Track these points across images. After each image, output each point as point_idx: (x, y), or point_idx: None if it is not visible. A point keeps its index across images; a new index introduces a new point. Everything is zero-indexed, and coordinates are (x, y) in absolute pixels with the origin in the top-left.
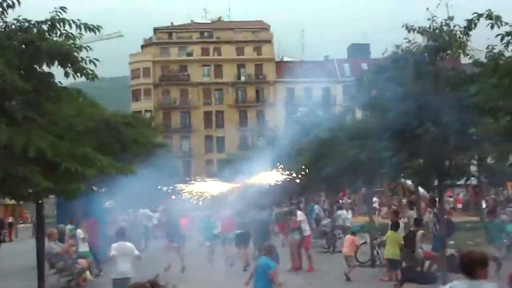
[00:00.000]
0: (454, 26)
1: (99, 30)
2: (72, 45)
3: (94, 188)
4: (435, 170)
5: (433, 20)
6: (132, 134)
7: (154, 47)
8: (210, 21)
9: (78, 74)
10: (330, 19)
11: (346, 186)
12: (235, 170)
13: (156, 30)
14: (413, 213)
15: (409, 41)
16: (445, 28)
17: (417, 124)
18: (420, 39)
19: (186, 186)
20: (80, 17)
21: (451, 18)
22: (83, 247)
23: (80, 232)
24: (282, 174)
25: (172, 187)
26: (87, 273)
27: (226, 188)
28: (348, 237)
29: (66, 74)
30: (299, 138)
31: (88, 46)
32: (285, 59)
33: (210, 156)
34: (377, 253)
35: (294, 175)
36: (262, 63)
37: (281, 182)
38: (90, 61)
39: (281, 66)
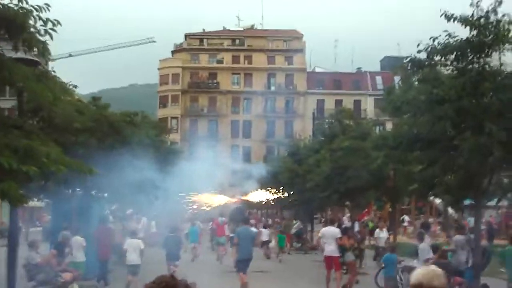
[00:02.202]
0: (503, 15)
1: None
2: (21, 10)
3: (93, 192)
4: (473, 187)
5: (477, 6)
6: (136, 134)
7: (185, 53)
8: (242, 29)
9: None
10: (365, 30)
11: (371, 202)
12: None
13: (187, 36)
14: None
15: (449, 34)
16: (492, 16)
17: (455, 133)
18: (461, 32)
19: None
20: (112, 23)
21: (499, 3)
22: (80, 257)
23: (77, 239)
24: (274, 193)
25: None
26: (74, 286)
27: (225, 201)
28: None
29: (15, 48)
30: (320, 148)
31: (47, 5)
32: (317, 69)
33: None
34: (401, 279)
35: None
36: (293, 73)
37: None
38: (46, 31)
39: (312, 77)
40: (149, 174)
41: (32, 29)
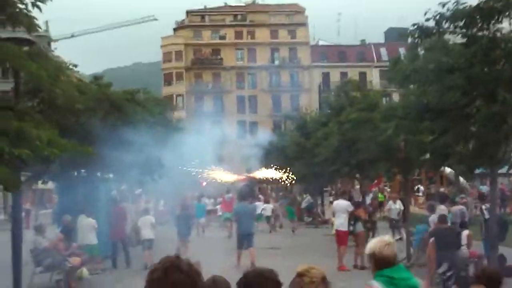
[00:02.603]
0: None
1: None
2: None
3: (98, 174)
4: (486, 156)
5: None
6: (138, 112)
7: (187, 30)
8: (244, 4)
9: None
10: (368, 2)
11: (381, 174)
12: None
13: (188, 12)
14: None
15: (457, 1)
16: None
17: (467, 102)
18: None
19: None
20: (113, 3)
21: None
22: (92, 239)
23: (90, 222)
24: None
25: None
26: (83, 270)
27: (233, 178)
28: None
29: (1, 23)
30: (327, 121)
31: None
32: (320, 43)
33: (242, 141)
34: (417, 252)
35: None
36: (296, 47)
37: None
38: (34, 4)
39: (316, 50)
40: (153, 153)
41: (19, 4)
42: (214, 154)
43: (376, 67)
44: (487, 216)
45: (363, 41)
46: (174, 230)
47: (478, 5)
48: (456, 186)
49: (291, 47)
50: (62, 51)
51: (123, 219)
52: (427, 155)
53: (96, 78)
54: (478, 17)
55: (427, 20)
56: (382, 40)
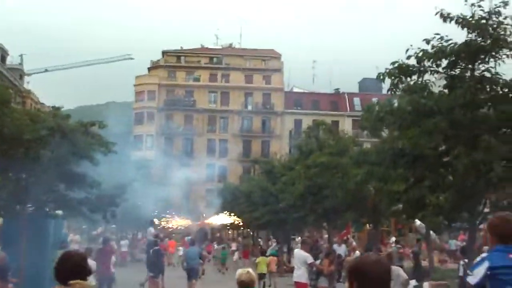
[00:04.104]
0: (505, 17)
1: None
2: None
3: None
4: (467, 208)
5: (478, 6)
6: (91, 146)
7: (161, 70)
8: (220, 47)
9: None
10: (342, 51)
11: (349, 223)
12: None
13: (164, 53)
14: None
15: (441, 37)
16: (494, 18)
17: (447, 147)
18: (454, 36)
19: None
20: (90, 40)
21: (505, 4)
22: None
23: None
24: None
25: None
26: None
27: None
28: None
29: None
30: (294, 166)
31: None
32: (295, 89)
33: (210, 185)
34: None
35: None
36: (270, 92)
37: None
38: None
39: (290, 97)
40: (107, 190)
41: None
42: (176, 196)
43: (349, 116)
44: (461, 273)
45: (337, 89)
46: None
47: (465, 42)
48: (426, 239)
49: (265, 92)
50: (36, 85)
51: (110, 258)
52: (398, 205)
53: (55, 108)
54: (463, 55)
55: (408, 58)
56: (356, 90)
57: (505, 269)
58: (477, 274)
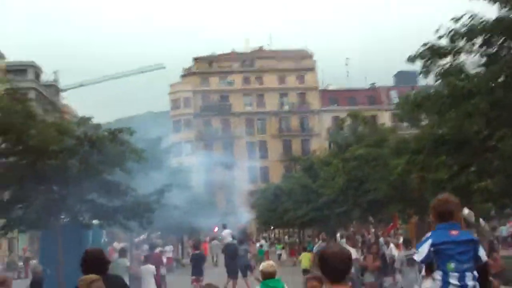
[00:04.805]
0: None
1: None
2: None
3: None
4: None
5: None
6: (121, 154)
7: (194, 76)
8: (251, 50)
9: None
10: (377, 45)
11: (395, 216)
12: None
13: (196, 59)
14: None
15: (472, 16)
16: None
17: (489, 131)
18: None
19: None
20: (122, 49)
21: None
22: None
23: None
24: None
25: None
26: None
27: None
28: None
29: None
30: (332, 160)
31: None
32: (330, 87)
33: (253, 187)
34: None
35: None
36: (305, 92)
37: None
38: None
39: (325, 95)
40: (143, 197)
41: None
42: (219, 200)
43: (386, 110)
44: None
45: (372, 84)
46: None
47: (497, 18)
48: (475, 228)
49: (299, 92)
50: (72, 100)
51: (159, 263)
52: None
53: (83, 119)
54: (498, 32)
55: (439, 38)
56: (392, 84)
57: (447, 244)
58: (422, 252)
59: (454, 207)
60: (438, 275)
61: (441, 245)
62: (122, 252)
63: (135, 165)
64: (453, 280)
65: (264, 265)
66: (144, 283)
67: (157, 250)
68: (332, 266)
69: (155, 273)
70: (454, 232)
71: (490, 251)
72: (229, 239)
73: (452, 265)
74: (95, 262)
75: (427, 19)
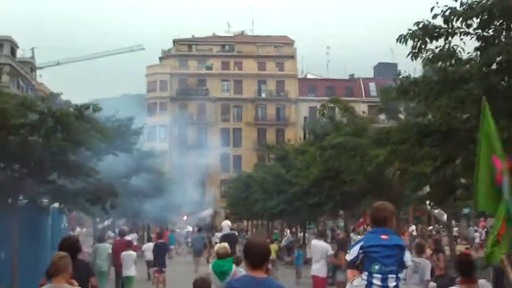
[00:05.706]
0: None
1: None
2: None
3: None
4: None
5: None
6: (87, 132)
7: (173, 59)
8: (232, 34)
9: None
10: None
11: (366, 211)
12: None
13: (175, 42)
14: None
15: None
16: None
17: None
18: None
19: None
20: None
21: None
22: None
23: None
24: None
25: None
26: None
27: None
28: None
29: None
30: (308, 149)
31: None
32: (309, 76)
33: (225, 176)
34: None
35: None
36: (284, 80)
37: None
38: None
39: (304, 84)
40: (107, 179)
41: None
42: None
43: (364, 102)
44: None
45: (351, 75)
46: None
47: None
48: (445, 226)
49: (278, 80)
50: (48, 79)
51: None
52: (424, 190)
53: (51, 95)
54: (497, 13)
55: (434, 17)
56: (371, 75)
57: (376, 247)
58: (353, 253)
59: (388, 214)
60: (364, 275)
61: (369, 248)
62: (102, 238)
63: (101, 145)
64: (376, 281)
65: (217, 246)
66: (125, 269)
67: (128, 237)
68: (254, 254)
69: (136, 259)
70: (384, 237)
71: (437, 251)
72: (227, 230)
73: (376, 267)
74: (68, 247)
75: (414, 9)
